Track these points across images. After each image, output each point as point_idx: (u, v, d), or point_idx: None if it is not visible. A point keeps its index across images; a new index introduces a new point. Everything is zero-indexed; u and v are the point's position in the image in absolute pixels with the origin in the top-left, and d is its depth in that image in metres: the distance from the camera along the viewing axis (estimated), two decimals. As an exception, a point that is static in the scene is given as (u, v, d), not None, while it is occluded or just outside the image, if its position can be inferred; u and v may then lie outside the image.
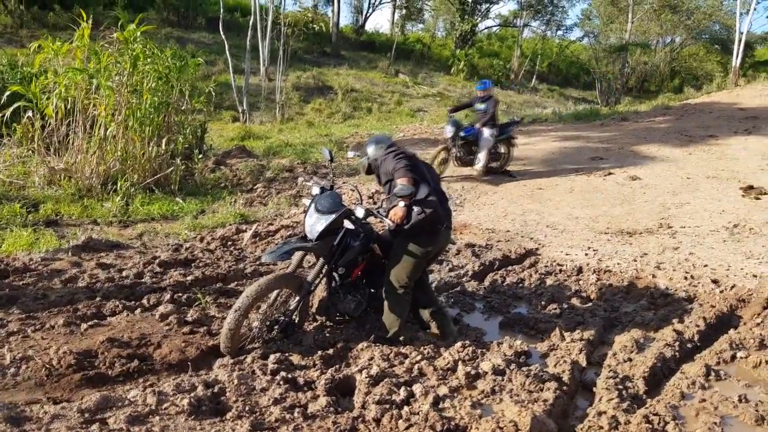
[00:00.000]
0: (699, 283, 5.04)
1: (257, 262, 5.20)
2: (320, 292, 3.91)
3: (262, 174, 9.38)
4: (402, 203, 3.48)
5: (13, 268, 4.61)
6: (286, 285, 3.56)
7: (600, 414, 2.95)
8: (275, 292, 3.60)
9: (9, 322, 3.66)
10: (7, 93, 7.63)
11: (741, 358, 3.58)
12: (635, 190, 8.50)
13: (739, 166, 9.73)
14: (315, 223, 3.53)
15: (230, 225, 6.52)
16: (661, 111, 16.99)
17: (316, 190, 3.80)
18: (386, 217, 3.54)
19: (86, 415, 2.62)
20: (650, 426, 2.80)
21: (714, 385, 3.29)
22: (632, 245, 6.17)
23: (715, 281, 5.05)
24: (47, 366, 3.07)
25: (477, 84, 9.78)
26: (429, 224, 3.59)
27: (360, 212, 3.59)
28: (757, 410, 2.96)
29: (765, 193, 7.92)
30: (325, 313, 3.92)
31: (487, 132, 9.06)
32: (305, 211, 3.68)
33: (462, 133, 9.08)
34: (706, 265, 5.46)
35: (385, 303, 3.75)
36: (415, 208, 3.55)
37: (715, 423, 2.83)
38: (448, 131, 9.12)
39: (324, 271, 3.71)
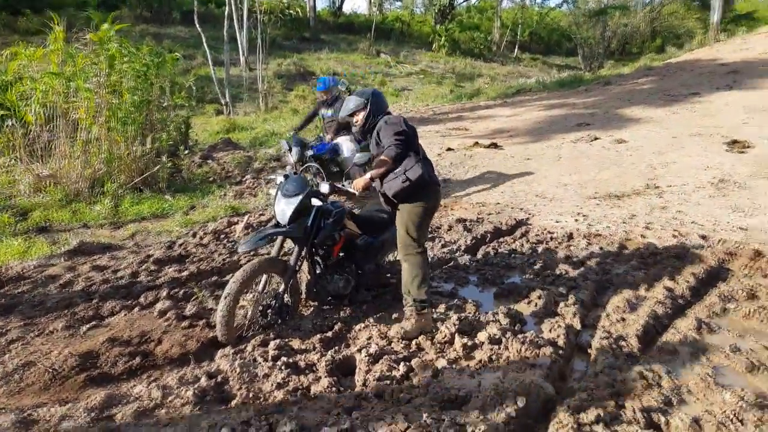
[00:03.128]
0: (687, 239, 5.12)
1: (250, 253, 5.22)
2: (306, 276, 3.98)
3: (250, 165, 9.36)
4: (368, 175, 3.59)
5: (7, 278, 4.61)
6: (271, 269, 3.63)
7: (596, 374, 3.02)
8: (263, 278, 3.68)
9: (9, 330, 3.69)
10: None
11: (732, 309, 3.66)
12: (621, 153, 8.56)
13: (722, 121, 9.79)
14: (284, 208, 3.66)
15: (221, 218, 6.54)
16: (644, 72, 17.01)
17: (280, 179, 3.90)
18: (350, 187, 3.67)
19: (93, 413, 2.67)
20: (645, 381, 2.88)
21: (706, 337, 3.38)
22: (621, 208, 6.24)
23: (703, 237, 5.13)
24: (51, 370, 3.11)
25: (317, 85, 7.49)
26: (417, 187, 3.64)
27: (325, 188, 3.74)
28: (748, 358, 3.04)
29: (749, 147, 8.00)
30: (317, 297, 3.99)
31: (347, 143, 7.07)
32: (274, 201, 3.75)
33: (311, 152, 6.91)
34: (693, 222, 5.53)
35: (404, 269, 3.78)
36: (400, 177, 3.60)
37: (709, 374, 2.91)
38: (291, 155, 6.78)
39: (304, 252, 3.79)
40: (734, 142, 8.24)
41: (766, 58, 16.25)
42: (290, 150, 4.25)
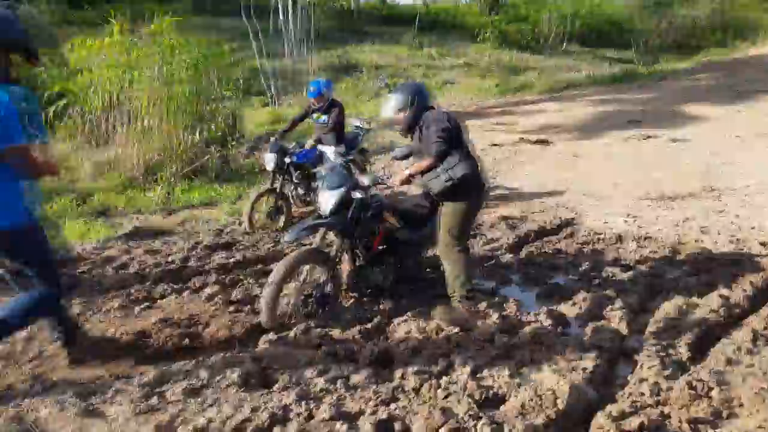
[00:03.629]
0: (746, 245, 4.89)
1: (294, 243, 5.32)
2: (347, 268, 4.03)
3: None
4: (408, 171, 3.63)
5: (69, 258, 4.88)
6: (313, 259, 3.71)
7: (641, 381, 2.94)
8: (306, 268, 3.74)
9: (70, 307, 3.90)
10: (50, 92, 7.93)
11: (790, 322, 3.49)
12: (677, 152, 8.24)
13: (790, 121, 9.29)
14: (327, 200, 3.73)
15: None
16: (704, 67, 16.27)
17: (324, 172, 3.94)
18: (390, 181, 3.84)
19: (146, 388, 2.81)
20: (693, 392, 2.78)
21: (762, 350, 3.22)
22: (674, 210, 6.01)
23: (763, 243, 4.89)
24: (108, 346, 3.30)
25: (309, 90, 6.64)
26: (461, 187, 3.61)
27: (366, 181, 3.80)
28: (805, 373, 2.89)
29: (818, 149, 7.56)
30: (357, 288, 4.05)
31: (331, 151, 6.29)
32: (317, 193, 3.82)
33: (291, 159, 6.17)
34: (753, 228, 5.28)
35: (446, 269, 3.79)
36: (443, 175, 3.58)
37: (763, 387, 2.78)
38: (269, 160, 6.11)
39: (344, 243, 3.85)
40: (801, 143, 7.81)
41: (840, 54, 15.28)
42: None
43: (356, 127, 7.27)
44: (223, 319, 3.70)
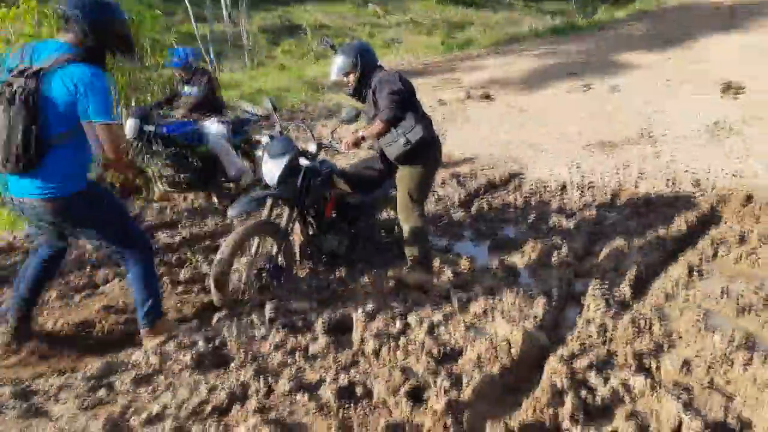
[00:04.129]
0: (681, 187, 5.12)
1: (242, 217, 5.20)
2: (300, 237, 3.96)
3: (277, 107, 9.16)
4: (360, 133, 3.54)
5: (-3, 249, 4.59)
6: (262, 232, 3.61)
7: (588, 322, 3.06)
8: (256, 241, 3.66)
9: (2, 302, 3.69)
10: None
11: (722, 254, 3.69)
12: (615, 101, 8.46)
13: (717, 65, 9.66)
14: (272, 169, 3.59)
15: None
16: (639, 16, 16.64)
17: (265, 140, 3.81)
18: (339, 145, 3.65)
19: (92, 381, 2.68)
20: (637, 328, 2.92)
21: (697, 282, 3.41)
22: (614, 157, 6.21)
23: (696, 183, 5.13)
24: (47, 340, 3.12)
25: (172, 60, 5.74)
26: (419, 149, 3.58)
27: (312, 147, 3.72)
28: (738, 302, 3.07)
29: (742, 90, 7.90)
30: (311, 257, 3.99)
31: (215, 127, 5.43)
32: (261, 162, 3.68)
33: (153, 129, 5.17)
34: (686, 170, 5.52)
35: (405, 231, 3.78)
36: (401, 139, 3.54)
37: (699, 318, 2.95)
38: (128, 127, 5.10)
39: (295, 213, 3.75)
40: (728, 86, 8.13)
41: (763, -3, 15.91)
42: (275, 109, 4.07)
43: (246, 112, 6.23)
44: (171, 301, 3.59)
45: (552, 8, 28.42)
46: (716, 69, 9.34)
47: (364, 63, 3.62)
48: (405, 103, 3.52)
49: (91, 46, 2.64)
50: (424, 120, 3.67)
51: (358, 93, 3.73)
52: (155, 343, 3.00)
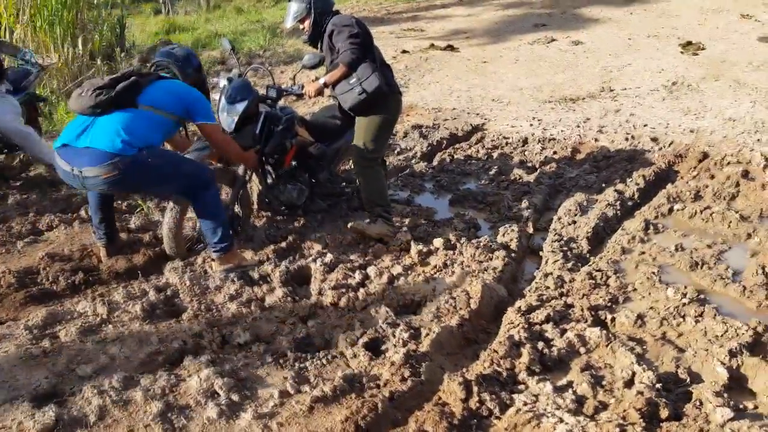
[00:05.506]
0: (639, 142, 5.18)
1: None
2: (257, 186, 3.83)
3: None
4: (322, 80, 3.45)
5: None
6: (218, 180, 3.46)
7: (546, 275, 3.09)
8: None
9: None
10: None
11: (678, 210, 3.76)
12: (578, 55, 8.42)
13: (678, 22, 9.70)
14: (229, 114, 3.40)
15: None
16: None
17: (223, 83, 3.56)
18: (301, 91, 3.55)
19: (35, 331, 2.56)
20: (593, 281, 2.97)
21: (653, 237, 3.47)
22: (575, 111, 6.21)
23: (654, 139, 5.19)
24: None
25: None
26: (374, 99, 3.46)
27: (273, 93, 3.57)
28: (692, 257, 3.15)
29: (703, 48, 7.99)
30: (269, 207, 3.86)
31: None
32: (217, 107, 3.47)
33: None
34: (645, 125, 5.57)
35: (361, 183, 3.71)
36: (356, 88, 3.41)
37: (653, 272, 3.01)
38: None
39: None
40: (689, 43, 8.20)
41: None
42: (233, 50, 3.89)
43: (24, 61, 4.90)
44: (121, 249, 3.42)
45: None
46: (677, 26, 9.40)
47: (319, 8, 3.48)
48: (363, 47, 3.38)
49: None
50: (383, 68, 3.56)
51: (314, 39, 3.61)
52: (224, 268, 3.10)
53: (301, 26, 3.59)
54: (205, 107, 3.07)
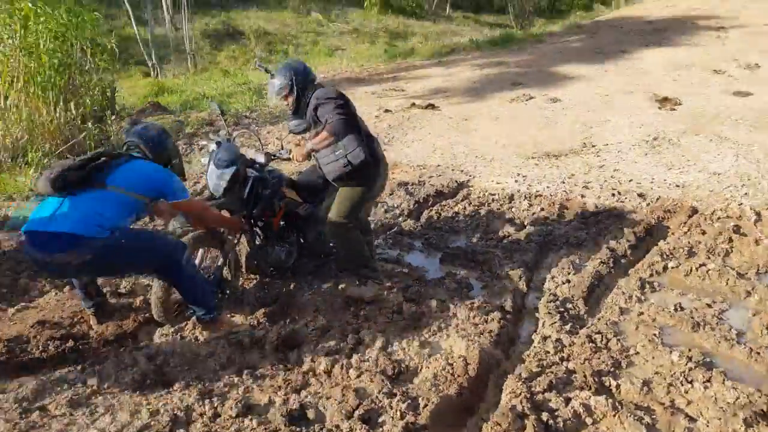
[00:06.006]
0: (626, 198, 5.24)
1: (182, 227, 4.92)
2: (246, 248, 3.78)
3: (182, 130, 8.82)
4: (310, 144, 3.48)
5: None
6: (208, 242, 3.44)
7: (545, 339, 3.04)
8: (200, 252, 3.50)
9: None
10: None
11: (672, 267, 3.76)
12: (557, 112, 8.67)
13: (652, 78, 10.12)
14: (218, 180, 3.40)
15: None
16: (574, 30, 17.32)
17: (212, 147, 3.59)
18: (288, 155, 3.60)
19: (24, 404, 2.47)
20: (594, 345, 2.91)
21: (650, 297, 3.45)
22: (559, 168, 6.32)
23: (641, 195, 5.25)
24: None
25: None
26: (359, 171, 3.48)
27: (261, 158, 3.59)
28: (692, 317, 3.12)
29: (679, 104, 8.30)
30: (258, 269, 3.80)
31: None
32: (205, 171, 3.47)
33: None
34: (630, 180, 5.67)
35: (338, 247, 3.73)
36: (341, 160, 3.44)
37: (655, 334, 2.97)
38: None
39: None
40: (665, 99, 8.52)
41: (691, 14, 16.91)
42: (222, 113, 3.95)
43: None
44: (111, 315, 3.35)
45: (490, 20, 29.13)
46: (651, 83, 9.79)
47: (300, 83, 3.53)
48: (349, 116, 3.43)
49: None
50: (369, 140, 3.60)
51: (299, 113, 3.63)
52: (214, 336, 3.07)
53: (284, 102, 3.63)
54: (177, 186, 3.03)
